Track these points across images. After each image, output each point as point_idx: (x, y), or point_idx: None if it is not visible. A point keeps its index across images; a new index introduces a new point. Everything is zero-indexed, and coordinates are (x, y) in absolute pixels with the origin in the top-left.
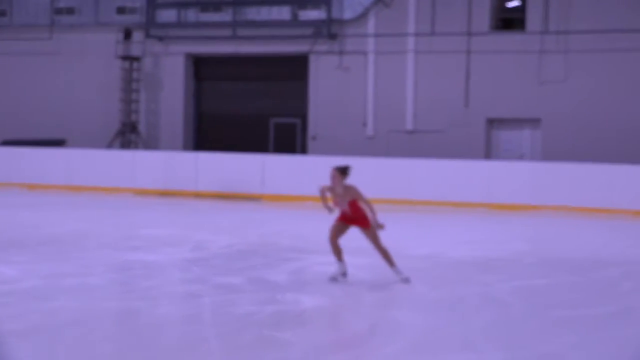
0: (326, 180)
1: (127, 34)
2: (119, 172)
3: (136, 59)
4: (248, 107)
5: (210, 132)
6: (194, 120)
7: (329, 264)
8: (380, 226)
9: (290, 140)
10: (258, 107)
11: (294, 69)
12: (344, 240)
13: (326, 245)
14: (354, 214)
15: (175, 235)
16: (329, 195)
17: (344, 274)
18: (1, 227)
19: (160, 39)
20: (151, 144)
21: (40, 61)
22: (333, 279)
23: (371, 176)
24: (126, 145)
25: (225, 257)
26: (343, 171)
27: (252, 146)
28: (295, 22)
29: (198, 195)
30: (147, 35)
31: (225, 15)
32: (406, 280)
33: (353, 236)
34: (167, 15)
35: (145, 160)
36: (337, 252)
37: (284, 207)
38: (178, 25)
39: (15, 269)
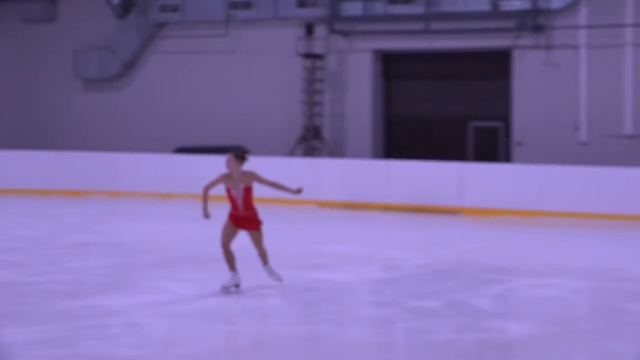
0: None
1: (309, 30)
2: (302, 182)
3: (319, 56)
4: (443, 109)
5: (401, 138)
6: (384, 125)
7: (540, 287)
8: (300, 190)
9: (491, 146)
10: (455, 109)
11: (495, 66)
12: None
13: (536, 266)
14: (247, 212)
15: (363, 252)
16: (227, 187)
17: (237, 285)
18: (176, 241)
19: (346, 34)
20: (336, 151)
21: (214, 60)
22: (225, 290)
23: (585, 187)
24: (309, 152)
25: (420, 277)
26: (241, 156)
27: (449, 153)
28: (495, 13)
29: (388, 208)
30: (331, 31)
31: (417, 7)
32: (279, 280)
33: (569, 257)
34: (353, 8)
35: (330, 169)
36: (230, 259)
37: (485, 221)
38: (365, 19)
39: (191, 287)
